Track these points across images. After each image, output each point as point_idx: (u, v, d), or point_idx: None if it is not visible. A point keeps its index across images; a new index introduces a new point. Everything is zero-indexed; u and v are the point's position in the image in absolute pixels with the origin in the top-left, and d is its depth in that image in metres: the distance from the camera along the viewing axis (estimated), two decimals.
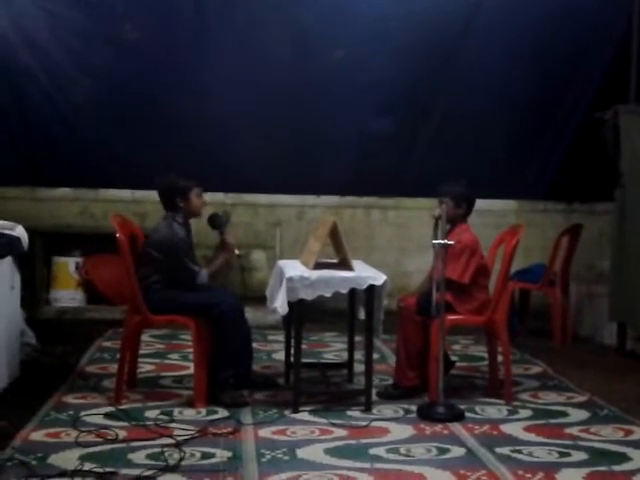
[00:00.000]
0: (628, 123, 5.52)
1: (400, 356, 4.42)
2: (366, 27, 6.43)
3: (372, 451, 3.57)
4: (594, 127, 5.84)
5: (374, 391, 4.29)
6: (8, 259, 4.38)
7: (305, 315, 4.15)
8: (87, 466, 3.26)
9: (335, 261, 4.40)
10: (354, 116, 6.62)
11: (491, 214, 6.45)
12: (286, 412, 4.07)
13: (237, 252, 4.48)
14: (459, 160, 6.53)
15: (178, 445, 3.53)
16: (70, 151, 6.54)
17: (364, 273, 4.20)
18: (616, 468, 3.42)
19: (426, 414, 4.05)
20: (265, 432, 3.79)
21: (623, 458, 3.54)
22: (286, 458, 3.46)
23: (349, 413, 4.10)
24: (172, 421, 3.89)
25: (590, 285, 6.29)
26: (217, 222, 4.45)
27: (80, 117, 6.51)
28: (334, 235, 4.28)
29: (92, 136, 6.52)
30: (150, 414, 3.99)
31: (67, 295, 6.54)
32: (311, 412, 4.08)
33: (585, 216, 6.61)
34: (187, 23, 6.42)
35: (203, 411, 4.07)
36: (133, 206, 6.50)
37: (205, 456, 3.45)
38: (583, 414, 4.18)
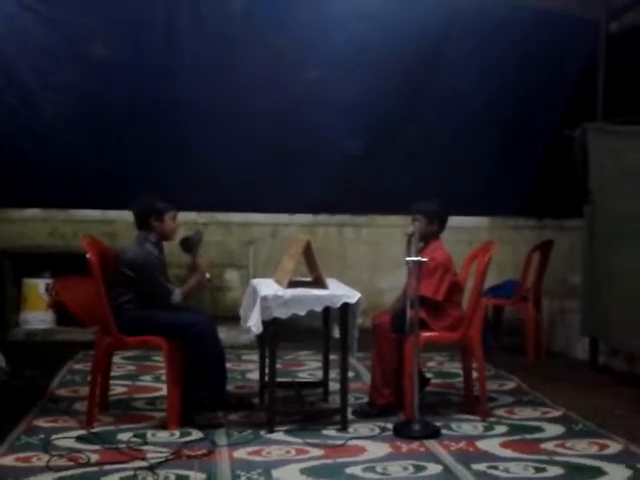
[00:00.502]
0: (595, 140, 5.60)
1: (375, 374, 4.41)
2: (340, 49, 6.44)
3: (349, 470, 3.54)
4: (563, 145, 5.92)
5: (350, 409, 4.27)
6: None
7: (279, 334, 4.13)
8: None
9: (309, 279, 4.39)
10: (327, 136, 6.64)
11: (464, 231, 6.49)
12: (261, 432, 4.03)
13: (208, 276, 4.47)
14: (431, 178, 6.56)
15: (152, 468, 3.48)
16: (39, 171, 6.47)
17: (338, 291, 4.19)
18: None
19: (402, 432, 4.04)
20: (240, 453, 3.75)
21: (598, 472, 3.55)
22: (262, 479, 3.42)
23: (325, 432, 4.07)
24: (145, 443, 3.83)
25: (562, 300, 6.34)
26: (189, 245, 4.44)
27: (49, 137, 6.45)
28: (308, 253, 4.27)
29: (61, 156, 6.46)
30: (123, 437, 3.93)
31: (37, 317, 6.46)
32: (286, 432, 4.05)
33: (556, 232, 6.68)
34: (159, 41, 6.40)
35: (177, 433, 4.01)
36: (104, 226, 6.44)
37: (179, 479, 3.40)
38: (558, 429, 4.19)
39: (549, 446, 3.90)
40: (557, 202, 6.75)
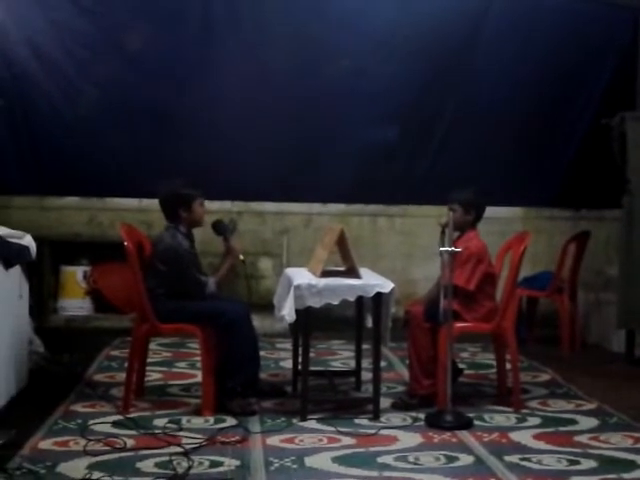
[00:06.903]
0: (634, 130, 5.51)
1: (413, 365, 4.39)
2: (372, 35, 6.45)
3: (380, 459, 3.56)
4: (601, 134, 5.84)
5: (389, 402, 4.27)
6: (17, 268, 4.39)
7: (313, 323, 4.15)
8: (95, 475, 3.27)
9: (342, 269, 4.40)
10: (361, 124, 6.62)
11: (497, 221, 6.41)
12: (294, 420, 4.06)
13: (241, 257, 4.47)
14: (465, 168, 6.51)
15: (186, 454, 3.53)
16: (77, 160, 6.54)
17: (371, 281, 4.19)
18: (625, 476, 3.41)
19: (434, 422, 4.04)
20: (273, 440, 3.79)
21: (632, 466, 3.52)
22: (294, 466, 3.46)
23: (357, 421, 4.09)
24: (180, 429, 3.89)
25: (598, 292, 6.27)
26: (221, 228, 4.45)
27: (87, 126, 6.53)
28: (341, 243, 4.28)
29: (99, 145, 6.53)
30: (158, 422, 3.99)
31: (75, 304, 6.55)
32: (319, 420, 4.08)
33: (593, 223, 6.59)
34: (194, 33, 6.45)
35: (211, 419, 4.07)
36: (140, 215, 6.50)
37: (213, 464, 3.45)
38: (592, 422, 4.16)
39: (583, 439, 3.88)
40: (594, 192, 6.65)
